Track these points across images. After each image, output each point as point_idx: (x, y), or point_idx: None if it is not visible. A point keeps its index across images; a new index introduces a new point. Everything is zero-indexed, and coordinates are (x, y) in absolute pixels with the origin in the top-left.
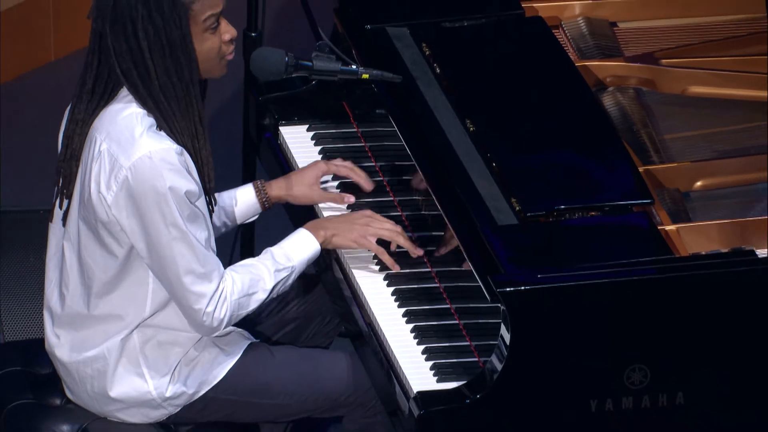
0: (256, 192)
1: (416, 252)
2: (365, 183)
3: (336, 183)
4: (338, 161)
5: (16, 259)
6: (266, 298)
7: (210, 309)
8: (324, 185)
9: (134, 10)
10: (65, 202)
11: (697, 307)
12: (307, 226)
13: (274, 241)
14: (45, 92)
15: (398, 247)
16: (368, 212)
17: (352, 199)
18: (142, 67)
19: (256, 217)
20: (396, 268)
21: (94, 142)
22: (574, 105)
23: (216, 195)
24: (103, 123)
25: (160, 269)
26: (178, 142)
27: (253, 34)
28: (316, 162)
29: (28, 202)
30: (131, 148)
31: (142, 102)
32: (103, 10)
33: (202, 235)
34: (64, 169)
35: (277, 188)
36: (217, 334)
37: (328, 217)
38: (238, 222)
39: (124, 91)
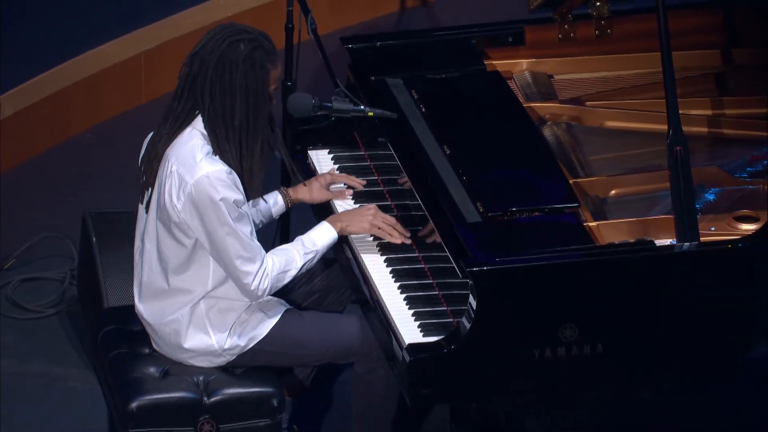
0: (282, 196)
1: (405, 240)
2: (356, 184)
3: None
4: (336, 173)
5: (116, 248)
6: (297, 273)
7: (256, 282)
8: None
9: (235, 65)
10: (146, 194)
11: (611, 282)
12: (328, 220)
13: (304, 230)
14: (137, 126)
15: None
16: (372, 206)
17: (350, 192)
18: (229, 107)
19: (282, 213)
20: (401, 240)
21: (168, 163)
22: (522, 134)
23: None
24: (173, 150)
25: (217, 255)
26: (229, 164)
27: (289, 83)
28: (323, 174)
29: (125, 206)
30: (193, 169)
31: (213, 129)
32: (206, 60)
33: (246, 230)
34: (146, 167)
35: (294, 192)
36: (261, 300)
37: (343, 212)
38: (268, 219)
39: (188, 128)
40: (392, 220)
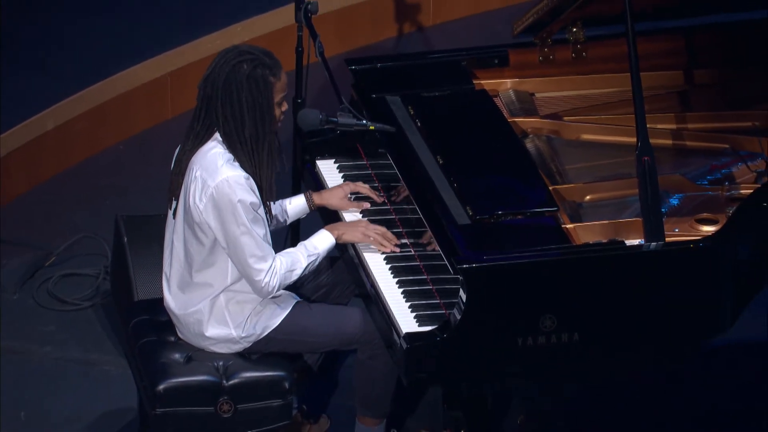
0: (306, 199)
1: (393, 249)
2: (376, 197)
3: (353, 197)
4: (359, 183)
5: (145, 247)
6: (301, 273)
7: (266, 280)
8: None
9: (240, 84)
10: (173, 203)
11: (586, 278)
12: (326, 228)
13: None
14: (164, 138)
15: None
16: (365, 221)
17: (366, 205)
18: (239, 121)
19: (305, 215)
20: (391, 248)
21: (192, 170)
22: (506, 146)
23: (280, 201)
24: (198, 158)
25: (233, 253)
26: (247, 171)
27: (299, 100)
28: (346, 183)
29: (153, 210)
30: (215, 173)
31: (231, 145)
32: (215, 83)
33: (261, 231)
34: (173, 180)
35: (318, 197)
36: (270, 296)
37: (340, 222)
38: (292, 219)
39: (211, 138)
40: (382, 229)
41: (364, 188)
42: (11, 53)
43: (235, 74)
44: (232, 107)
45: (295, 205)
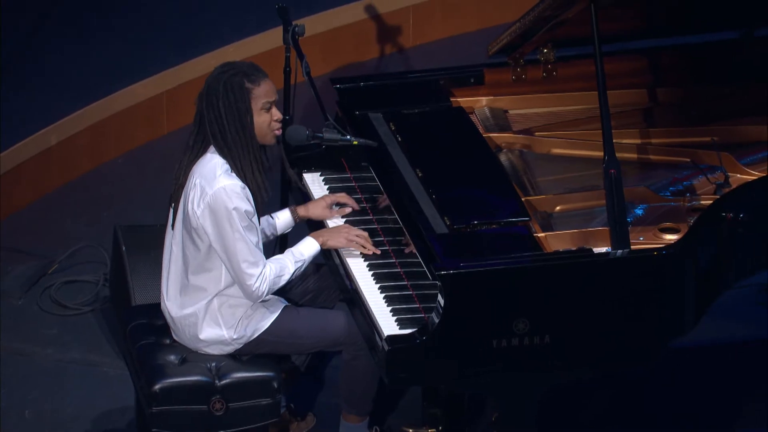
0: (291, 212)
1: (375, 251)
2: (354, 204)
3: (336, 207)
4: (339, 194)
5: (142, 255)
6: (289, 278)
7: (257, 284)
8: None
9: (217, 92)
10: (172, 215)
11: (557, 283)
12: (311, 235)
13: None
14: (161, 153)
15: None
16: (347, 226)
17: (347, 210)
18: (221, 127)
19: (290, 228)
20: (373, 251)
21: (193, 178)
22: (481, 160)
23: (267, 216)
24: (198, 167)
25: (226, 258)
26: (243, 181)
27: (287, 117)
28: (325, 195)
29: (150, 220)
30: (213, 182)
31: (221, 151)
32: (201, 96)
33: (254, 238)
34: (174, 193)
35: (301, 210)
36: (260, 300)
37: (324, 229)
38: (279, 232)
39: (209, 150)
40: (364, 234)
41: (342, 197)
42: (18, 73)
43: (215, 84)
44: (214, 114)
45: (282, 220)
